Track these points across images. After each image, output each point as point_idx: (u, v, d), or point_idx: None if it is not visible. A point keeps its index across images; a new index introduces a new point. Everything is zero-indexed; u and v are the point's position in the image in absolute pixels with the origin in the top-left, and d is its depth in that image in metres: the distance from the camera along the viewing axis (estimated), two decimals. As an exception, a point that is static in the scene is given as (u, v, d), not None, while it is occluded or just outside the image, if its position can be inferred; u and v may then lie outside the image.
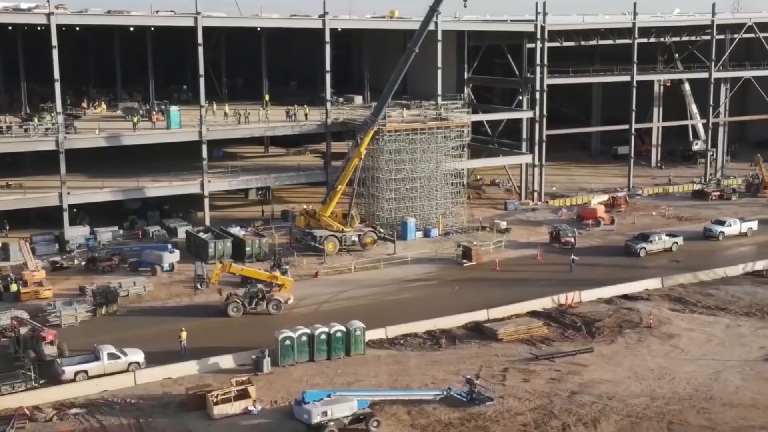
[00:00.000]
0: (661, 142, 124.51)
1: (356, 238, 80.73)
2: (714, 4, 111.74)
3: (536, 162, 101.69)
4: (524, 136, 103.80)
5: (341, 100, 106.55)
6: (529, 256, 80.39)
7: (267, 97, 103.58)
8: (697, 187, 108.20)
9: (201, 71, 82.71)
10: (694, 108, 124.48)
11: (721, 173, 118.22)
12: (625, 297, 68.51)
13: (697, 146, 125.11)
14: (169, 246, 74.35)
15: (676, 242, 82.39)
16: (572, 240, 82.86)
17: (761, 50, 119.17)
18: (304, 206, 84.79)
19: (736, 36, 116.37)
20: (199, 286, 67.00)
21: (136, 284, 68.55)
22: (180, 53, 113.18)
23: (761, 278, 73.40)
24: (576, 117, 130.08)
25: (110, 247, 77.35)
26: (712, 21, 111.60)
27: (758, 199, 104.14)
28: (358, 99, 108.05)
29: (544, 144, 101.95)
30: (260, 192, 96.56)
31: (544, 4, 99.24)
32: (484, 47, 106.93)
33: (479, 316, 63.05)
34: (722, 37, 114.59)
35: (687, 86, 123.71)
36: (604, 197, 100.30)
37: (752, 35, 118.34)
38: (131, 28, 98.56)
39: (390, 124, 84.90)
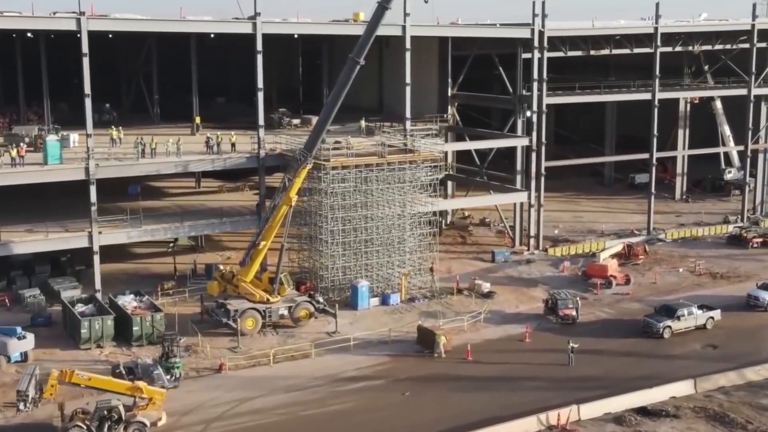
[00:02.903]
0: (687, 170, 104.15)
1: (285, 311, 61.05)
2: (755, 5, 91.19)
3: (533, 201, 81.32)
4: (518, 167, 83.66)
5: (295, 122, 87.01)
6: (516, 337, 60.48)
7: (198, 119, 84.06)
8: (733, 229, 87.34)
9: (87, 90, 63.02)
10: (726, 130, 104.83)
11: (761, 209, 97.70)
12: (644, 411, 48.80)
13: (731, 175, 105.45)
14: (19, 329, 54.75)
15: (712, 317, 62.10)
16: (573, 312, 62.95)
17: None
18: (221, 267, 65.25)
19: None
20: (21, 407, 46.95)
21: (-41, 388, 49.34)
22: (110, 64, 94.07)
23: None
24: (585, 137, 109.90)
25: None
26: (753, 26, 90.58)
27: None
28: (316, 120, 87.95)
29: (543, 178, 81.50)
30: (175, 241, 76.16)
31: (543, 4, 78.92)
32: (471, 58, 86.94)
33: (432, 451, 43.67)
34: (765, 45, 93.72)
35: (719, 104, 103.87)
36: (618, 244, 79.93)
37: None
38: (29, 34, 79.38)
39: (335, 159, 65.26)
